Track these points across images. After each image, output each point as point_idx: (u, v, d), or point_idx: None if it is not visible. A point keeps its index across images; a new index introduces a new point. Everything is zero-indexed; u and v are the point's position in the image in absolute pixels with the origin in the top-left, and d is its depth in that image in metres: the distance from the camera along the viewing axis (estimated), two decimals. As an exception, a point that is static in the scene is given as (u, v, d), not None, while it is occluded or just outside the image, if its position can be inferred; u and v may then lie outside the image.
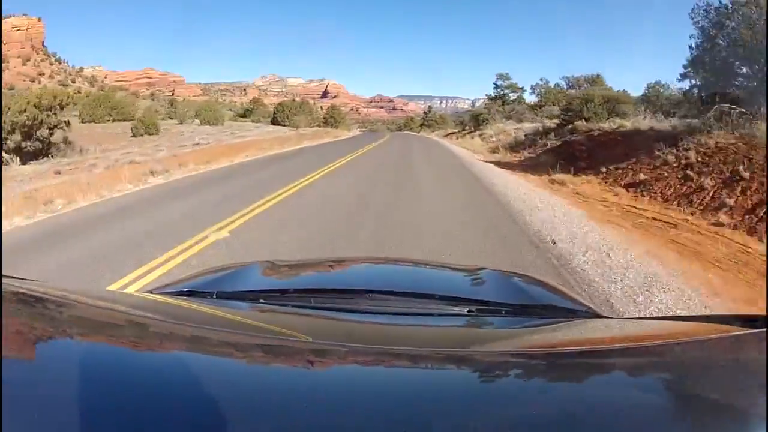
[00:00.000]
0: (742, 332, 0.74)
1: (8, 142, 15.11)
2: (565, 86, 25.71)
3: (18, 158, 14.77)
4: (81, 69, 60.99)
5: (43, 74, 48.51)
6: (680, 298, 3.35)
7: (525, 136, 16.46)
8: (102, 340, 0.66)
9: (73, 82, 52.48)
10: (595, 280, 3.74)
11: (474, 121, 31.37)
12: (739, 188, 6.44)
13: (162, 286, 1.30)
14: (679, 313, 3.11)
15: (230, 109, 51.29)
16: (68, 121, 17.88)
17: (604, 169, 9.74)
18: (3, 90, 18.08)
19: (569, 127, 12.61)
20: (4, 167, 13.05)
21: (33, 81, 42.06)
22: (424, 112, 67.92)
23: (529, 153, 14.15)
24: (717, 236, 5.50)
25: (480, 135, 28.01)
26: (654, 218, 6.44)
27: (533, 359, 0.70)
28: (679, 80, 9.67)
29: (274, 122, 45.78)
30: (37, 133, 16.15)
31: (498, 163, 13.05)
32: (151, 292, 1.21)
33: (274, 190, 7.94)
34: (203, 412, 0.45)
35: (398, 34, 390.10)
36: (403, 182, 9.34)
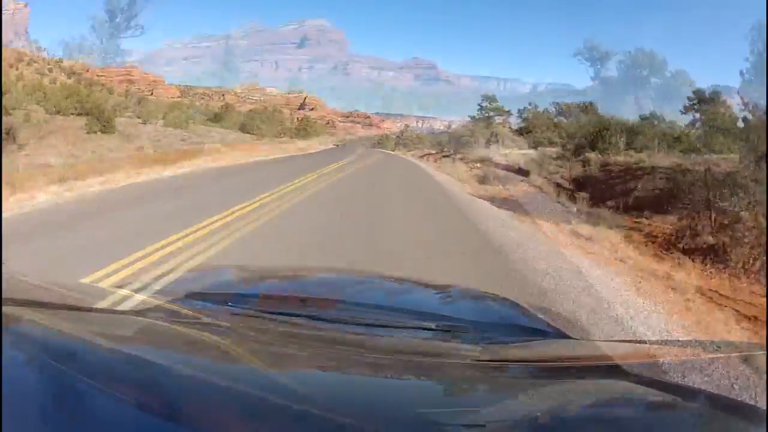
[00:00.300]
0: (699, 358, 0.95)
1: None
2: (553, 112, 24.07)
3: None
4: (60, 60, 56.38)
5: (21, 61, 44.24)
6: None
7: (518, 168, 14.25)
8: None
9: (50, 71, 48.14)
10: None
11: (455, 143, 29.37)
12: None
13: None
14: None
15: (202, 113, 48.16)
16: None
17: (635, 217, 7.47)
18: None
19: (580, 157, 10.33)
20: None
21: (11, 66, 38.43)
22: (401, 131, 67.31)
23: (528, 187, 11.87)
24: None
25: (462, 158, 25.99)
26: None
27: (497, 373, 0.73)
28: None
29: (243, 129, 43.67)
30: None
31: (493, 200, 10.57)
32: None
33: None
34: (160, 413, 0.45)
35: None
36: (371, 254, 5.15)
